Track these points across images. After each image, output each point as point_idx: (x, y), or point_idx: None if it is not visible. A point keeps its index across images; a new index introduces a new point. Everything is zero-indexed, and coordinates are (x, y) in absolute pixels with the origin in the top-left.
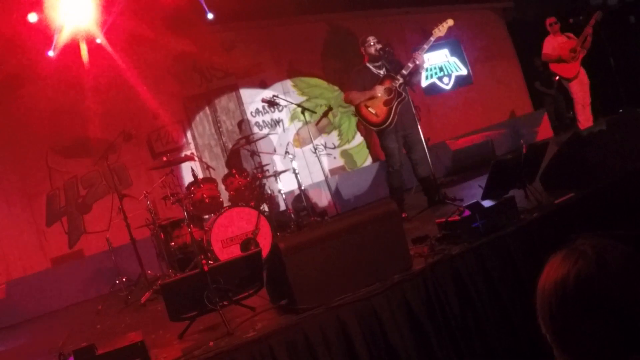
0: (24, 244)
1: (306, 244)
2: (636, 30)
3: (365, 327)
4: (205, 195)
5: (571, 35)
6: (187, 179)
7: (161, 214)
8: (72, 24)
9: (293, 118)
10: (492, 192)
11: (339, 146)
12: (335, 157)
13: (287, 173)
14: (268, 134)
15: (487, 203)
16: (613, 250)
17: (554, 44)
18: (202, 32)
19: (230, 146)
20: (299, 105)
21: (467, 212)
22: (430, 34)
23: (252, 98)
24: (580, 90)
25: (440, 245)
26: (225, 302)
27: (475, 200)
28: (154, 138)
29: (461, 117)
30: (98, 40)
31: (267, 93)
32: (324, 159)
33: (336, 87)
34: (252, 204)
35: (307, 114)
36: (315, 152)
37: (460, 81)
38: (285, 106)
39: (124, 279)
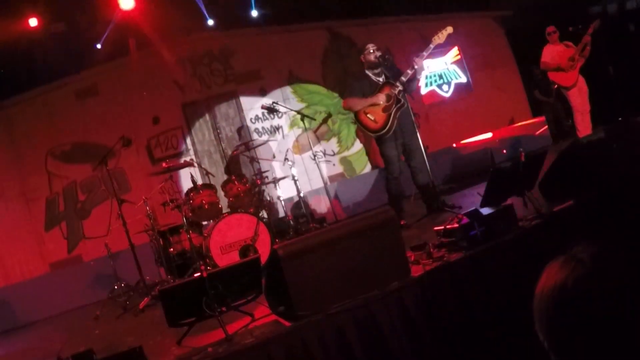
0: (22, 249)
1: (305, 251)
2: (636, 38)
3: (364, 334)
4: (204, 202)
5: (570, 43)
6: (187, 185)
7: (160, 220)
8: None
9: (292, 125)
10: (490, 199)
11: (338, 153)
12: (334, 164)
13: (286, 180)
14: (267, 141)
15: (485, 211)
16: (611, 258)
17: (553, 52)
18: (202, 39)
19: (229, 152)
20: (298, 112)
21: (465, 220)
22: (430, 41)
23: (252, 105)
24: (579, 98)
25: (439, 252)
26: (224, 308)
27: (474, 208)
28: (153, 144)
29: (460, 125)
30: (97, 46)
31: (267, 100)
32: (323, 166)
33: (336, 94)
34: (251, 210)
35: (306, 120)
36: (314, 159)
37: (460, 89)
38: (285, 113)
39: (122, 285)
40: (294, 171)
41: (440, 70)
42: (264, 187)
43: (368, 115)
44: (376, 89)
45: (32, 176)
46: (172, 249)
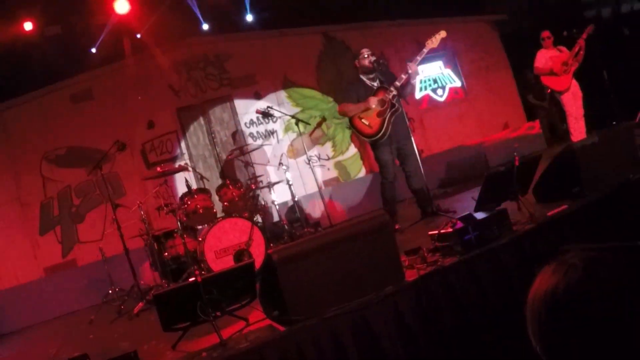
0: (17, 253)
1: (299, 255)
2: (630, 42)
3: (358, 338)
4: (199, 206)
5: (563, 48)
6: (181, 189)
7: (155, 224)
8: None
9: (287, 129)
10: (484, 204)
11: (332, 157)
12: (329, 169)
13: (280, 184)
14: (262, 145)
15: (479, 215)
16: (602, 263)
17: (546, 57)
18: (197, 43)
19: (224, 157)
20: (292, 116)
21: (459, 224)
22: (424, 46)
23: (247, 109)
24: (572, 103)
25: (433, 257)
26: (218, 313)
27: (468, 212)
28: (148, 148)
29: (455, 129)
30: (93, 50)
31: (262, 104)
32: (318, 170)
33: (330, 98)
34: (246, 214)
35: (301, 125)
36: (309, 163)
37: (455, 93)
38: (280, 117)
39: (117, 289)
40: (289, 175)
41: (434, 75)
42: (258, 191)
43: (362, 120)
44: (371, 93)
45: (26, 180)
46: (166, 254)
